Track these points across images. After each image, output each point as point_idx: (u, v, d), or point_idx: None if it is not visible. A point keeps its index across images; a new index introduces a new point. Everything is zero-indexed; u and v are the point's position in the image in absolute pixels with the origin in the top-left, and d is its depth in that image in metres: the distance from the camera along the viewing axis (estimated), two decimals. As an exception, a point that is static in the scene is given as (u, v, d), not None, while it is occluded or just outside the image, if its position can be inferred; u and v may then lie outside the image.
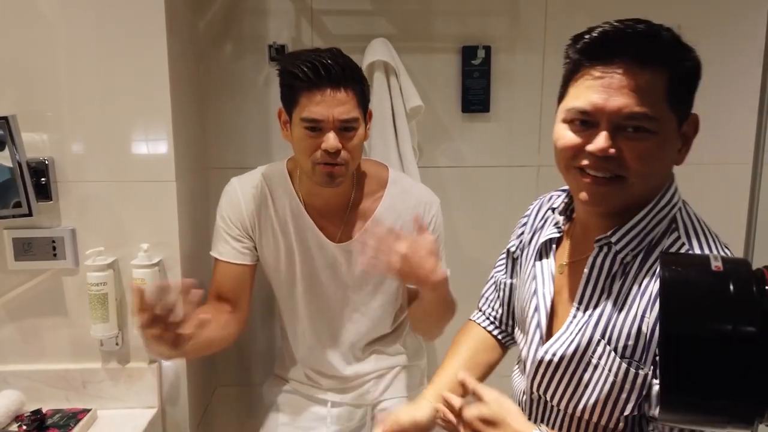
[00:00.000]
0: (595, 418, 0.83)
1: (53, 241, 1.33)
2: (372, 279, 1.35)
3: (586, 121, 0.78)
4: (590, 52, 0.77)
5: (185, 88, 1.47)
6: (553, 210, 0.97)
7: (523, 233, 1.05)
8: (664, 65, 0.75)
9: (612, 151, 0.75)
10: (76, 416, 1.31)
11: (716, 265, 0.36)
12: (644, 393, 0.78)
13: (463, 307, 1.43)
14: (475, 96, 1.68)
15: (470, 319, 1.19)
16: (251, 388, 1.77)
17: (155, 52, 1.31)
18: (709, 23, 1.65)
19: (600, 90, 0.75)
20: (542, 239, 0.96)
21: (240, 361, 1.78)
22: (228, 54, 1.65)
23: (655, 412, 0.76)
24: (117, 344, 1.39)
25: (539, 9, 1.66)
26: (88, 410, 1.33)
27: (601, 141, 0.76)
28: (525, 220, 1.07)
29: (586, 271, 0.84)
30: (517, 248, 1.06)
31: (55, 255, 1.34)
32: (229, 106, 1.67)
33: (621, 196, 0.79)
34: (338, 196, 1.31)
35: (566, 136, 0.80)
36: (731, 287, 0.34)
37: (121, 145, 1.34)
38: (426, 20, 1.66)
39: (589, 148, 0.77)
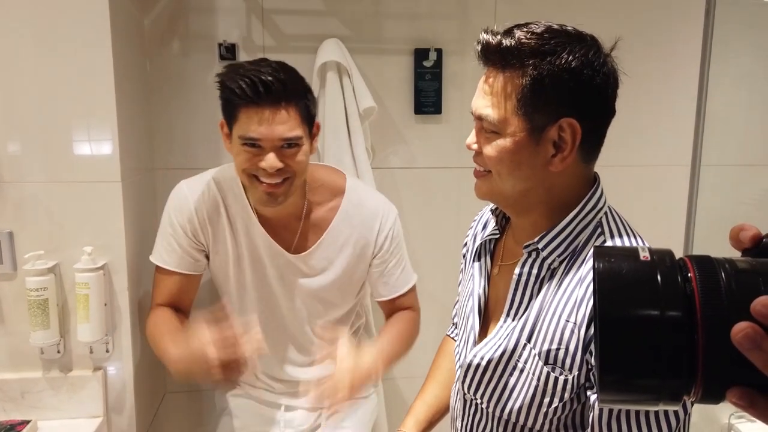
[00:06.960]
0: (521, 421, 0.84)
1: (-12, 245, 1.27)
2: (328, 290, 1.32)
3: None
4: (479, 57, 0.85)
5: (131, 85, 1.43)
6: (493, 212, 0.99)
7: (467, 236, 1.07)
8: (515, 70, 0.78)
9: (475, 146, 0.86)
10: (14, 428, 1.25)
11: (644, 255, 0.39)
12: (569, 397, 0.79)
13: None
14: (427, 98, 1.70)
15: (446, 335, 1.19)
16: (201, 394, 1.73)
17: (99, 48, 1.26)
18: (648, 31, 1.72)
19: (476, 94, 0.85)
20: (480, 240, 0.98)
21: (190, 366, 1.74)
22: (176, 52, 1.61)
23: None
24: (58, 352, 1.33)
25: (488, 13, 1.69)
26: (28, 421, 1.27)
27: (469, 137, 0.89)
28: (472, 224, 1.09)
29: (514, 277, 0.85)
30: (464, 254, 1.08)
31: (-10, 259, 1.28)
32: (178, 106, 1.63)
33: (489, 187, 0.87)
34: (288, 206, 1.25)
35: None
36: (658, 275, 0.37)
37: (63, 144, 1.29)
38: (378, 22, 1.67)
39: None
